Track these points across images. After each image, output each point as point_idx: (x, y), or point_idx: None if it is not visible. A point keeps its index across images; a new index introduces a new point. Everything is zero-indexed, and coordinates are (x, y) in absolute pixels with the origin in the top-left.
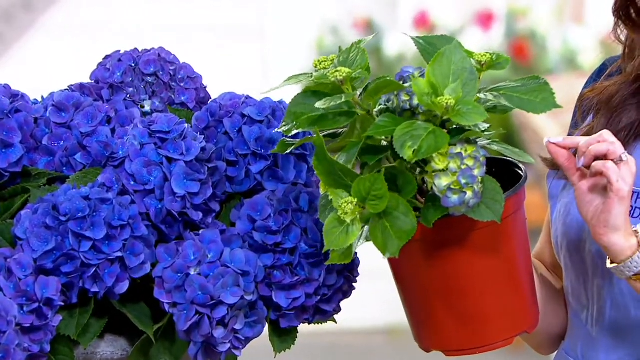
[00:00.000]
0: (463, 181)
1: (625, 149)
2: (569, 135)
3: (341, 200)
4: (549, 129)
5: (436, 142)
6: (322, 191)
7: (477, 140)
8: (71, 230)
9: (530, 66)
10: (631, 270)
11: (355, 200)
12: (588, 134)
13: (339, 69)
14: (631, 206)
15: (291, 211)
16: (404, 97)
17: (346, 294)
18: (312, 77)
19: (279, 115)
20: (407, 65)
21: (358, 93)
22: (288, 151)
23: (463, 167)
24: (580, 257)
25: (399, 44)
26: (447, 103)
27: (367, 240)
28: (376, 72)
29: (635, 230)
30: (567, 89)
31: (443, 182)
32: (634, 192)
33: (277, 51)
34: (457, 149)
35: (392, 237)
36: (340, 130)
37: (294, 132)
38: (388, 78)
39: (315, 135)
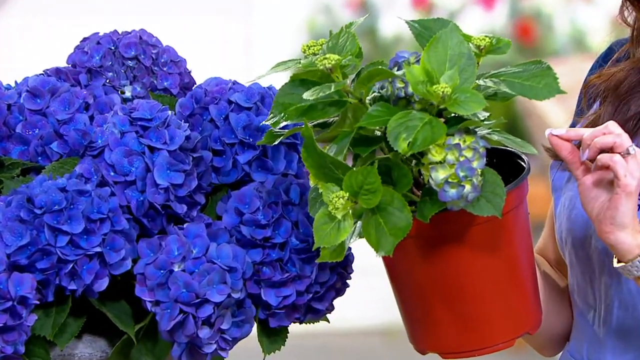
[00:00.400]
0: (461, 174)
1: (633, 139)
2: (573, 123)
3: (332, 194)
4: (555, 115)
5: (432, 133)
6: (311, 184)
7: (477, 130)
8: (47, 224)
9: (536, 48)
10: (636, 270)
11: (347, 194)
12: (594, 122)
13: (327, 56)
14: (639, 202)
15: (281, 204)
16: (399, 85)
17: (339, 291)
18: (300, 63)
19: (268, 101)
20: (403, 50)
21: (349, 80)
22: (277, 142)
23: (461, 159)
24: (586, 253)
25: (395, 25)
26: (443, 91)
27: (360, 237)
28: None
29: None
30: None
31: (440, 175)
32: None
33: (264, 33)
34: (455, 140)
35: (386, 234)
36: (331, 119)
37: (283, 124)
38: (381, 64)
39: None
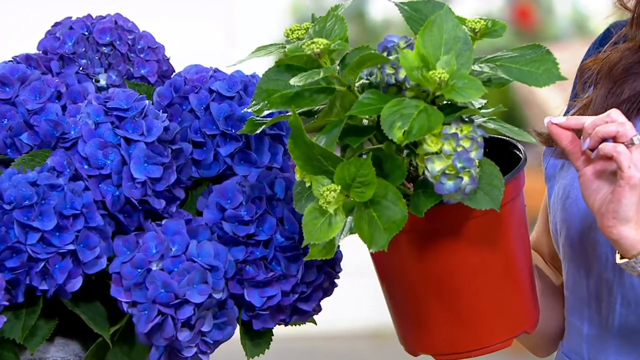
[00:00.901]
0: (459, 165)
1: None
2: (567, 108)
3: (322, 187)
4: (555, 104)
5: (429, 121)
6: (297, 177)
7: (473, 118)
8: (16, 220)
9: (535, 32)
10: None
11: (339, 187)
12: (586, 106)
13: (315, 40)
14: None
15: (265, 199)
16: (389, 71)
17: (327, 291)
18: (284, 48)
19: (251, 90)
20: (391, 34)
21: (337, 67)
22: (259, 131)
23: (459, 149)
24: (582, 246)
25: (384, 8)
26: (440, 77)
27: (352, 233)
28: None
29: None
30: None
31: (437, 166)
32: None
33: (246, 16)
34: (452, 129)
35: (380, 229)
36: (317, 108)
37: (266, 112)
38: (370, 49)
39: (291, 115)
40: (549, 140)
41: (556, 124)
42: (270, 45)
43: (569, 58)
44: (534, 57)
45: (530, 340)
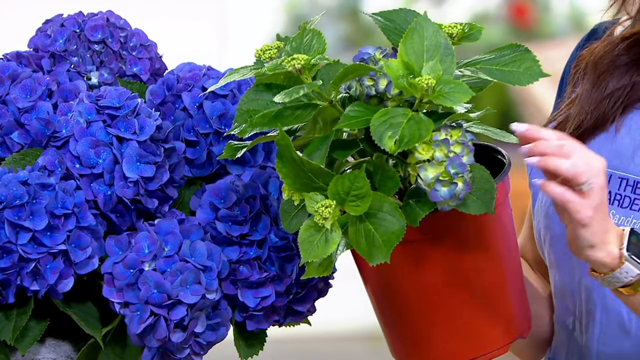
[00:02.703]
0: (452, 171)
1: (614, 120)
2: (555, 105)
3: (317, 204)
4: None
5: (419, 129)
6: (285, 196)
7: (461, 122)
8: (7, 220)
9: (532, 30)
10: (619, 281)
11: (334, 202)
12: (572, 101)
13: (295, 56)
14: (628, 197)
15: (259, 198)
16: (368, 82)
17: (322, 292)
18: (257, 68)
19: (244, 89)
20: (366, 46)
21: (320, 81)
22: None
23: (451, 154)
24: (566, 253)
25: (379, 6)
26: (427, 84)
27: (348, 248)
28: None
29: (622, 233)
30: None
31: (430, 174)
32: (622, 179)
33: (239, 14)
34: (442, 135)
35: (379, 241)
36: (296, 126)
37: (250, 132)
38: (342, 64)
39: (272, 135)
40: None
41: (519, 132)
42: (241, 68)
43: (566, 55)
44: (514, 57)
45: (517, 344)
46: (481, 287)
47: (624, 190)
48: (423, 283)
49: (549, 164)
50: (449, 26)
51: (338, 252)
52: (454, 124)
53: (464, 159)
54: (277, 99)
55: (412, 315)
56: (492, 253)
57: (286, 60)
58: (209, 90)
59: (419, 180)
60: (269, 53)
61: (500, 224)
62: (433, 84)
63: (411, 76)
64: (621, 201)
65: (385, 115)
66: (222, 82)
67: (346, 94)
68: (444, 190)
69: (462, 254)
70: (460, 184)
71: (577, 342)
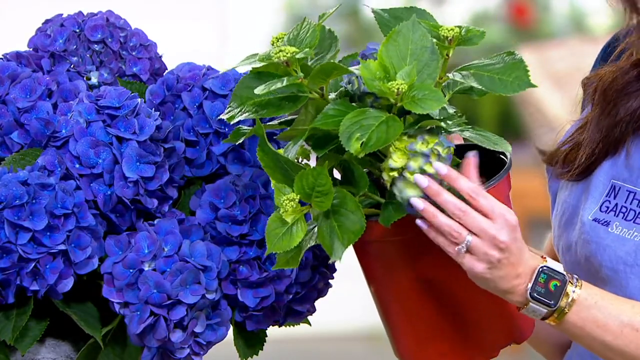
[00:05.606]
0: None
1: (625, 145)
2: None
3: (283, 197)
4: (553, 104)
5: (387, 133)
6: (273, 186)
7: (440, 130)
8: (7, 220)
9: (532, 30)
10: (536, 315)
11: (298, 197)
12: (583, 127)
13: (282, 48)
14: (634, 210)
15: (259, 198)
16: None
17: (321, 292)
18: (270, 57)
19: None
20: (374, 42)
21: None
22: (240, 141)
23: (426, 167)
24: (575, 262)
25: (380, 5)
26: (398, 89)
27: (317, 242)
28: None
29: (534, 271)
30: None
31: (409, 192)
32: (630, 192)
33: (239, 14)
34: (418, 144)
35: (339, 238)
36: (292, 116)
37: (238, 118)
38: (356, 57)
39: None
40: (550, 159)
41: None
42: (257, 54)
43: (566, 55)
44: (507, 65)
45: (541, 347)
46: (475, 290)
47: (630, 204)
48: (420, 281)
49: (439, 226)
50: (446, 29)
51: (309, 244)
52: (432, 129)
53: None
54: (257, 90)
55: (414, 314)
56: None
57: (275, 52)
58: (234, 66)
59: (395, 190)
60: (282, 42)
61: None
62: (404, 89)
63: (386, 79)
64: (626, 214)
65: (358, 116)
66: (237, 65)
67: (344, 88)
68: (416, 204)
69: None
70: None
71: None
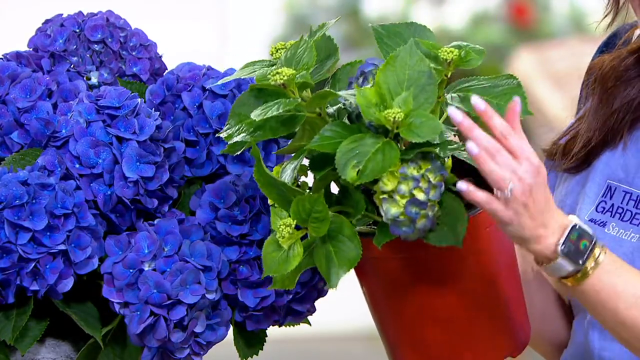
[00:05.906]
0: (412, 210)
1: (622, 136)
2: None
3: (279, 221)
4: (553, 104)
5: (383, 162)
6: (270, 209)
7: (437, 156)
8: (7, 220)
9: (532, 30)
10: (558, 273)
11: (294, 222)
12: (582, 118)
13: (279, 71)
14: (630, 211)
15: (259, 198)
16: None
17: (322, 292)
18: (272, 65)
19: (244, 88)
20: (373, 57)
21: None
22: (239, 152)
23: (415, 192)
24: None
25: (380, 5)
26: (394, 117)
27: (310, 265)
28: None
29: (566, 226)
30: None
31: (392, 210)
32: (626, 192)
33: (239, 14)
34: (410, 169)
35: (336, 265)
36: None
37: (235, 138)
38: (359, 64)
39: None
40: (550, 151)
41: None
42: (257, 61)
43: (566, 55)
44: (505, 90)
45: (540, 347)
46: (470, 307)
47: (627, 204)
48: (416, 300)
49: (485, 169)
50: (445, 51)
51: (305, 266)
52: (426, 155)
53: (431, 194)
54: (253, 115)
55: (411, 330)
56: (483, 272)
57: (272, 74)
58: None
59: (382, 211)
60: (281, 52)
61: (492, 243)
62: (400, 118)
63: (382, 106)
64: (622, 214)
65: (354, 142)
66: (236, 76)
67: (342, 106)
68: (404, 228)
69: (450, 274)
70: (420, 222)
71: (581, 344)
